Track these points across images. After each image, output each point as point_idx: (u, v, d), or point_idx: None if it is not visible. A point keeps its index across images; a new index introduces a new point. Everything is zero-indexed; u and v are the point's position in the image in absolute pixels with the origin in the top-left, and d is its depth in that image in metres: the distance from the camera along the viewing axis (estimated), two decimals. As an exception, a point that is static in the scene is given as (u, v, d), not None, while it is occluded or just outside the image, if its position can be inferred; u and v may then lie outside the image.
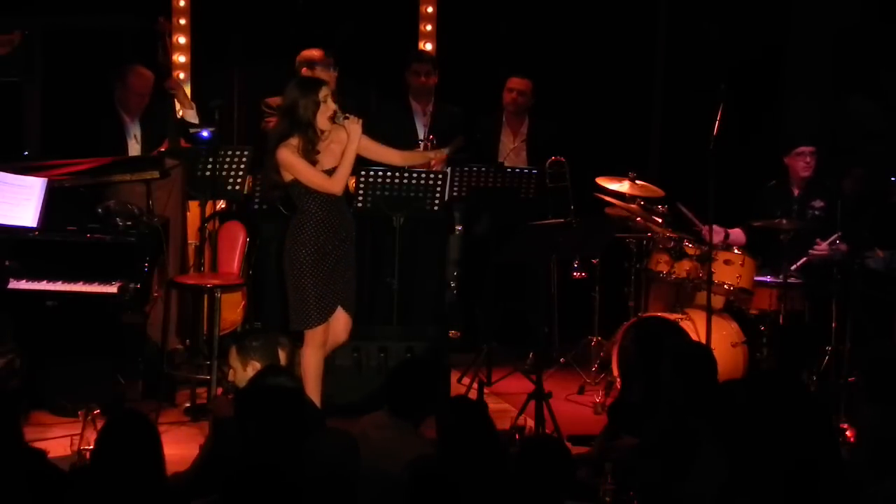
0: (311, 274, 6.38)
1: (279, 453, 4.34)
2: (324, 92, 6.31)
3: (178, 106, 7.84)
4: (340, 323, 6.52)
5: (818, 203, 7.91)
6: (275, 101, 7.94)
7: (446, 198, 7.97)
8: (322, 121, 6.30)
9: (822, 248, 7.54)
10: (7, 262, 6.71)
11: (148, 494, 4.02)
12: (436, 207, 7.88)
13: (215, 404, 6.48)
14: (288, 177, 6.36)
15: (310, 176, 6.32)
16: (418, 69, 8.49)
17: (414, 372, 5.48)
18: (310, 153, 6.30)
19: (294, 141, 6.30)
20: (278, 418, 4.48)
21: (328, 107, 6.30)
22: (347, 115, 6.37)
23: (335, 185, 6.36)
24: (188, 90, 8.40)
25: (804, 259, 7.62)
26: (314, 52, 7.97)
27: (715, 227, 7.60)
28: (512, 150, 8.67)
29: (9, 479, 4.15)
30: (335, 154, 6.38)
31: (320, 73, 7.71)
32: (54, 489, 4.30)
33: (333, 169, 6.37)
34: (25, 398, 6.72)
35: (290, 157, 6.29)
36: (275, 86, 8.17)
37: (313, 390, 6.38)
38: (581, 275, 8.13)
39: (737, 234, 7.94)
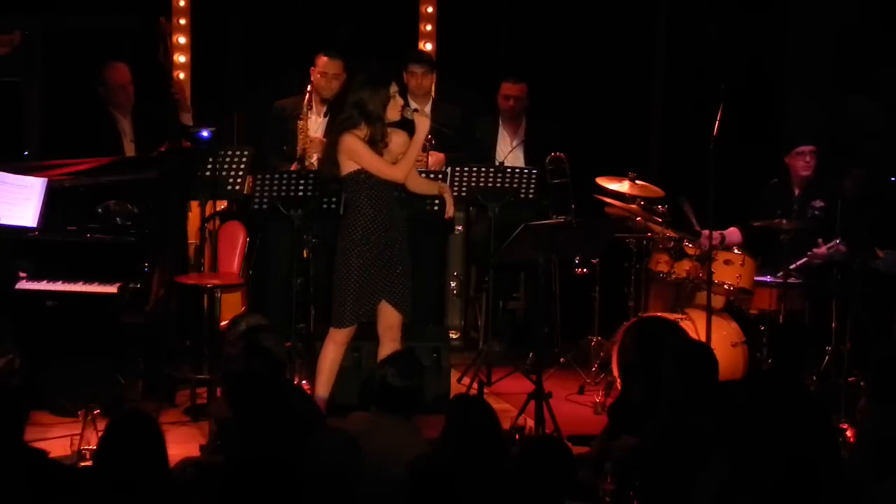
0: (356, 277, 6.52)
1: (276, 445, 4.36)
2: (394, 87, 6.50)
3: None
4: (391, 316, 6.58)
5: (818, 203, 7.90)
6: (283, 103, 8.03)
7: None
8: (393, 113, 6.49)
9: (821, 251, 7.52)
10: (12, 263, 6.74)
11: (152, 493, 4.02)
12: (436, 207, 7.87)
13: (214, 406, 6.48)
14: (348, 167, 6.48)
15: (375, 162, 6.47)
16: (415, 69, 8.48)
17: (402, 365, 5.44)
18: (377, 144, 6.48)
19: (361, 132, 6.46)
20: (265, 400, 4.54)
21: (397, 101, 6.49)
22: (416, 108, 6.65)
23: (399, 172, 6.52)
24: (188, 90, 8.39)
25: (804, 259, 7.62)
26: (322, 59, 8.02)
27: (708, 231, 7.58)
28: (510, 153, 8.66)
29: (9, 477, 4.15)
30: (393, 154, 6.54)
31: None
32: (57, 484, 4.30)
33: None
34: (25, 398, 6.68)
35: (355, 143, 6.45)
36: (274, 86, 8.21)
37: (324, 383, 6.59)
38: (584, 270, 8.13)
39: (732, 233, 7.94)
